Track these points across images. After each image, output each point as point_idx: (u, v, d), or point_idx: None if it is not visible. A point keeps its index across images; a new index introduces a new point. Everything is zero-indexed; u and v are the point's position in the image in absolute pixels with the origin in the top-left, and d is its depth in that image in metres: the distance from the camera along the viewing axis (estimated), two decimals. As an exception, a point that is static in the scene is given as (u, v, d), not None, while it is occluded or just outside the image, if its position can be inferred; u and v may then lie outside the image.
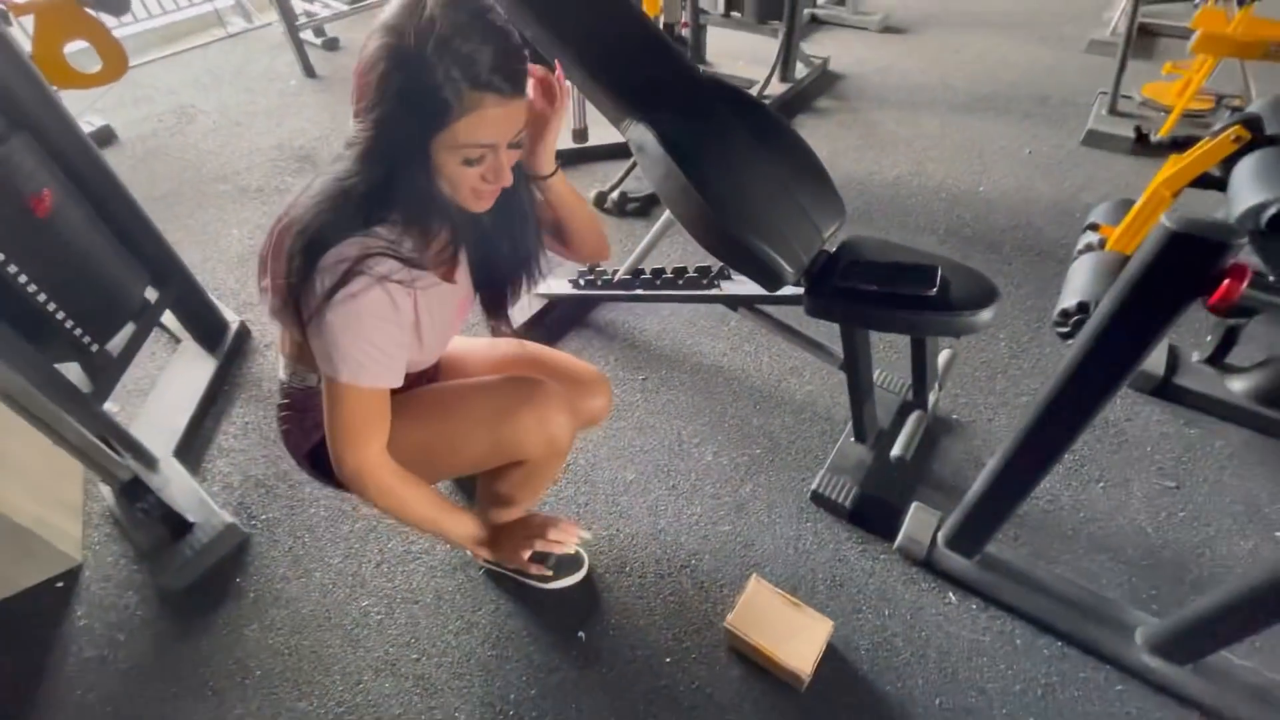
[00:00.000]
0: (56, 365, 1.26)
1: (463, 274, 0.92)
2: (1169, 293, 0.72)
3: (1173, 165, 1.41)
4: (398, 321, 0.78)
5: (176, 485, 1.39)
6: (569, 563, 1.26)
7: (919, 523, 1.27)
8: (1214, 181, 1.39)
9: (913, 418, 1.31)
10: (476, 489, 1.15)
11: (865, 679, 1.13)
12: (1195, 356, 1.57)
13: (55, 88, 1.40)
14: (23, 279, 1.19)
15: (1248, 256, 0.74)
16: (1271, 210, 1.11)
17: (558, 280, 1.79)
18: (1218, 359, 1.53)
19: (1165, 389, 1.54)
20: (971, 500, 1.15)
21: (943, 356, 1.53)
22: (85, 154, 1.39)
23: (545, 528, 0.94)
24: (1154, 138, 2.38)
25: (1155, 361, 1.55)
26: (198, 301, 1.73)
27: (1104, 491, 1.38)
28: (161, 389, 1.65)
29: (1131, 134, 2.40)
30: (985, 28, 3.57)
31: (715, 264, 1.48)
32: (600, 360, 1.75)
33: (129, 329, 1.45)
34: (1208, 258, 0.65)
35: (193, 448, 1.55)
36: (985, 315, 1.02)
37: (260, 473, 1.50)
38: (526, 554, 0.94)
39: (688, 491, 1.43)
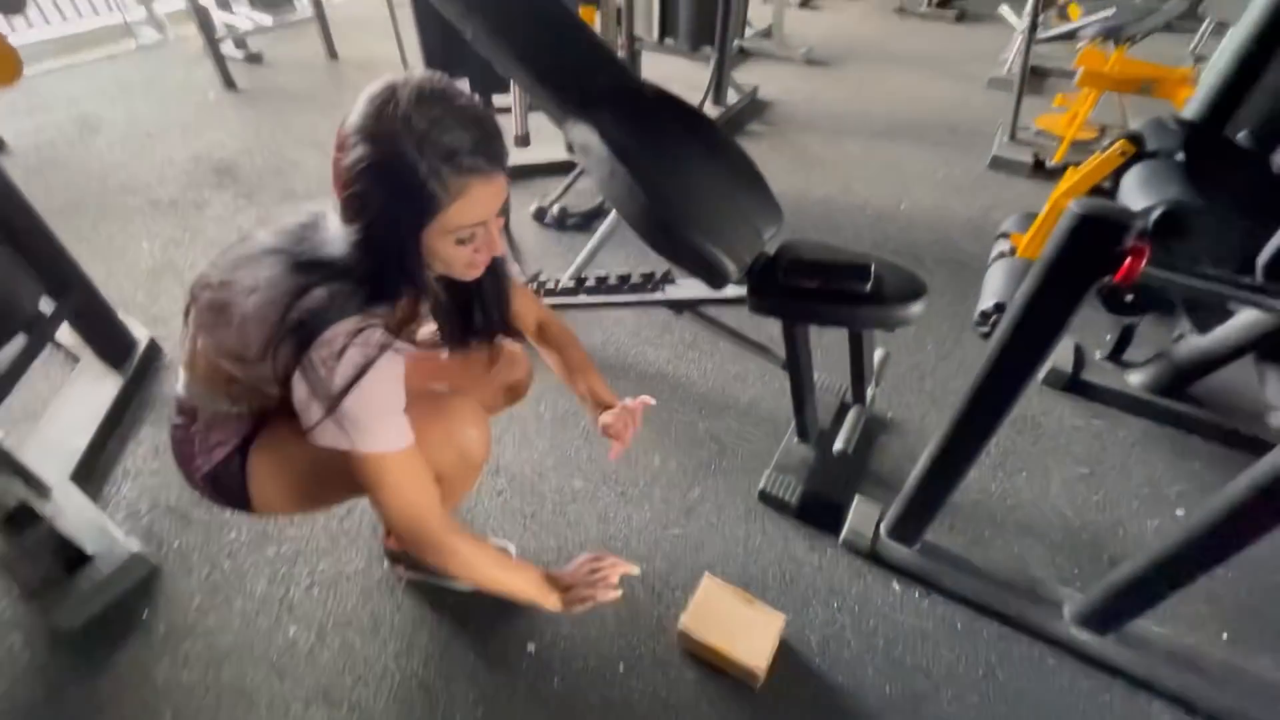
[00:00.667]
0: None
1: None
2: (1078, 273, 0.78)
3: (1070, 178, 1.56)
4: (400, 382, 0.78)
5: (72, 513, 1.25)
6: None
7: (862, 515, 1.31)
8: (1104, 193, 1.54)
9: (852, 412, 1.35)
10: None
11: (818, 673, 1.13)
12: (1098, 355, 1.71)
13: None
14: (-109, 283, 1.07)
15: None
16: (1156, 213, 1.23)
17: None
18: (1117, 356, 1.68)
19: (1074, 385, 1.67)
20: (909, 491, 1.20)
21: (877, 355, 1.60)
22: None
23: (611, 566, 0.95)
24: (1049, 163, 2.64)
25: (1064, 360, 1.68)
26: (100, 315, 1.60)
27: (1027, 480, 1.47)
28: (56, 409, 1.50)
29: (1030, 159, 2.65)
30: (899, 64, 3.86)
31: (659, 269, 1.50)
32: (545, 372, 1.72)
33: (19, 341, 1.32)
34: (1111, 237, 0.72)
35: (94, 473, 1.41)
36: (916, 308, 1.08)
37: (172, 498, 1.38)
38: (598, 590, 0.93)
39: (637, 498, 1.41)
